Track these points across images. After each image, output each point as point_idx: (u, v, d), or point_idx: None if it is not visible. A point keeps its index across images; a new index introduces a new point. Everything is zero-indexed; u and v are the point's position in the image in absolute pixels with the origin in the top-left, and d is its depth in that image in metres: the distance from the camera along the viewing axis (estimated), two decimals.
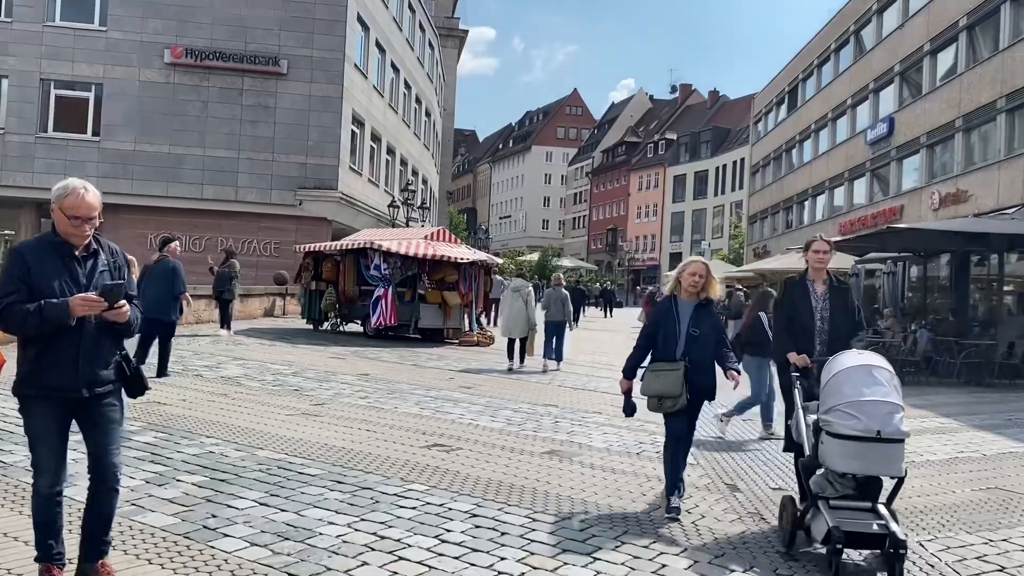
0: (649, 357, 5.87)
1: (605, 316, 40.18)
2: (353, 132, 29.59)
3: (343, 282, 18.28)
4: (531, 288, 14.64)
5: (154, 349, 10.57)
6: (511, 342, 14.10)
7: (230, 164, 27.50)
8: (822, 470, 4.73)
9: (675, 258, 76.73)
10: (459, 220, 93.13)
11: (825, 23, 39.36)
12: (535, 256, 73.44)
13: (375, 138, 32.45)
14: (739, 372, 5.93)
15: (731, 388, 6.28)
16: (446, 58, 55.65)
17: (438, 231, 18.92)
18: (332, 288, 18.60)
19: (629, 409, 6.05)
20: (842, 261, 28.04)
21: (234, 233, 26.97)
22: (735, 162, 69.24)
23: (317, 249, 19.12)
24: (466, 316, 18.89)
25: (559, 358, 14.28)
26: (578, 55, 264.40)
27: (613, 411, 9.86)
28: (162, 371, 10.50)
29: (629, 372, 5.92)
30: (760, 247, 47.75)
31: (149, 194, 26.88)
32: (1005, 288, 22.45)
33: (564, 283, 15.61)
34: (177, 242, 11.76)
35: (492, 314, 27.13)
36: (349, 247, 18.17)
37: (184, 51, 27.08)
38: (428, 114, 43.83)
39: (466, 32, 59.80)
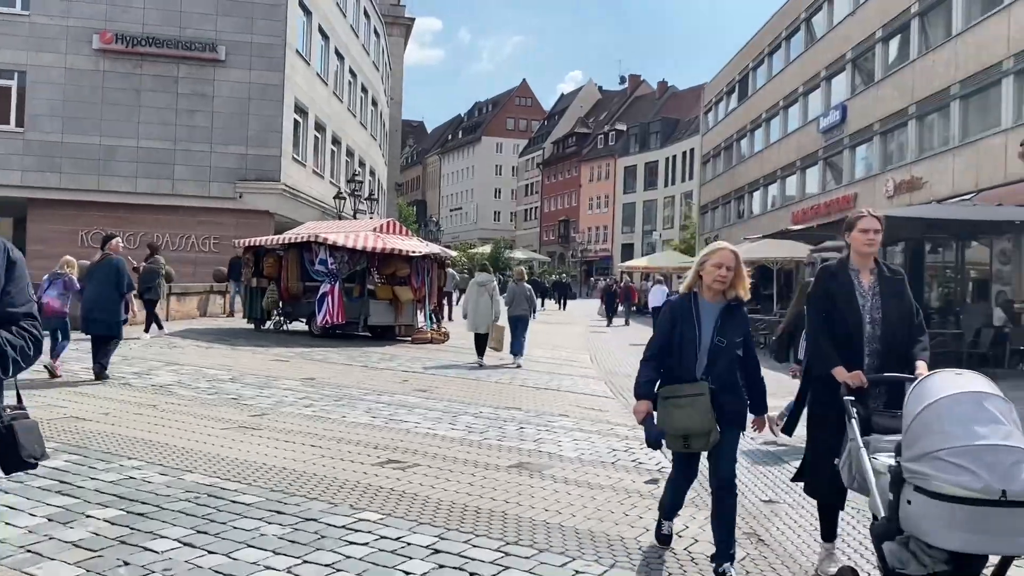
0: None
1: (560, 308, 39.63)
2: (296, 121, 28.45)
3: (286, 278, 17.29)
4: (495, 283, 14.50)
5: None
6: (478, 337, 13.90)
7: (166, 156, 26.17)
8: (902, 536, 3.29)
9: (627, 249, 76.86)
10: (408, 212, 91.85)
11: (775, 11, 39.23)
12: (487, 248, 72.64)
13: (319, 128, 31.32)
14: (766, 412, 4.59)
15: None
16: (392, 47, 54.46)
17: (388, 223, 17.99)
18: (274, 285, 17.59)
19: (654, 440, 4.42)
20: (797, 251, 27.93)
21: (171, 228, 25.72)
22: (685, 152, 69.35)
23: (257, 243, 18.08)
24: (419, 312, 18.04)
25: (519, 352, 14.15)
26: (525, 46, 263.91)
27: (580, 413, 9.19)
28: (102, 374, 9.71)
29: (644, 391, 4.40)
30: (712, 237, 47.61)
31: (79, 188, 25.45)
32: (965, 276, 22.36)
33: (527, 277, 15.48)
34: (119, 238, 10.89)
35: (448, 308, 26.32)
36: (292, 241, 17.17)
37: (114, 36, 25.64)
38: (375, 103, 42.69)
39: (412, 20, 58.67)
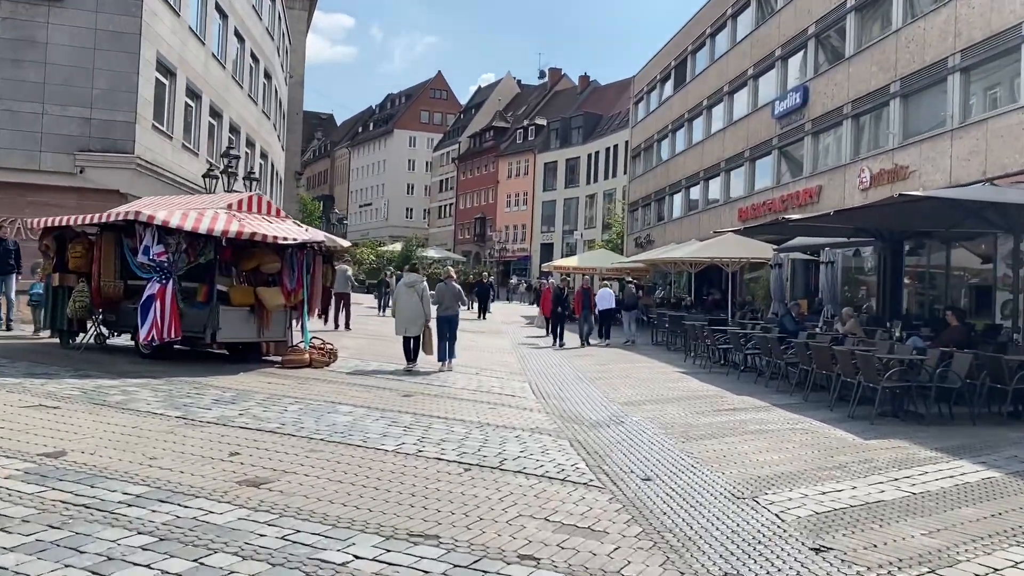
0: None
1: (479, 317, 30.97)
2: (159, 82, 22.99)
3: (99, 274, 12.12)
4: (425, 282, 13.55)
5: None
6: (407, 340, 13.16)
7: None
8: None
9: (546, 249, 72.80)
10: (314, 207, 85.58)
11: None
12: (397, 247, 67.44)
13: (192, 94, 25.84)
14: None
15: None
16: (294, 21, 48.95)
17: (249, 198, 12.75)
18: (85, 283, 12.39)
19: None
20: (757, 250, 24.06)
21: None
22: (608, 149, 65.85)
23: (59, 224, 12.81)
24: (295, 322, 13.13)
25: (452, 355, 13.64)
26: (439, 46, 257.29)
27: (565, 548, 4.52)
28: None
29: None
30: (643, 237, 43.88)
31: None
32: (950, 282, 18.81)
33: (455, 276, 15.18)
34: None
35: (344, 315, 21.31)
36: (107, 221, 11.99)
37: None
38: (268, 77, 37.15)
39: None
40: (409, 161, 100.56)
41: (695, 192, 37.26)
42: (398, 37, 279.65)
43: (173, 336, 11.27)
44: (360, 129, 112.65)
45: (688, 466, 7.08)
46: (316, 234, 12.82)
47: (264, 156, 37.08)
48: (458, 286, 14.29)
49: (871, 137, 23.14)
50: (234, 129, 31.25)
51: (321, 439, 7.26)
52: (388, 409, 9.02)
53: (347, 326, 20.99)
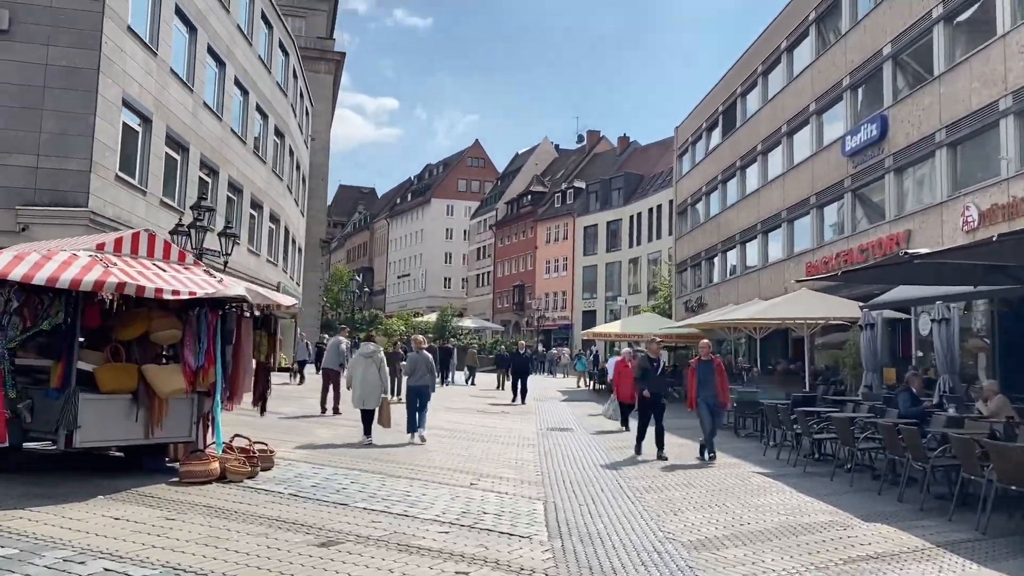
0: None
1: (518, 400, 24.30)
2: (128, 128, 19.88)
3: None
4: (382, 353, 13.17)
5: None
6: (364, 413, 12.75)
7: None
8: None
9: (588, 316, 68.55)
10: (348, 279, 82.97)
11: (768, 24, 32.10)
12: (432, 317, 63.93)
13: (177, 145, 22.73)
14: None
15: None
16: (318, 84, 46.71)
17: (134, 236, 8.90)
18: None
19: None
20: (839, 308, 19.87)
21: None
22: (651, 209, 62.06)
23: None
24: (207, 414, 9.23)
25: (422, 425, 12.97)
26: (480, 123, 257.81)
27: None
28: None
29: None
30: (693, 300, 39.61)
31: None
32: None
33: (427, 345, 14.28)
34: None
35: (333, 397, 17.35)
36: None
37: None
38: (280, 135, 34.31)
39: (342, 56, 50.88)
40: (447, 230, 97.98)
41: (752, 248, 33.09)
42: (441, 118, 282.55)
43: None
44: (399, 200, 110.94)
45: None
46: (232, 286, 8.92)
47: (275, 220, 33.97)
48: (429, 356, 13.61)
49: (975, 167, 18.95)
50: (236, 189, 28.16)
51: None
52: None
53: (335, 410, 17.07)
